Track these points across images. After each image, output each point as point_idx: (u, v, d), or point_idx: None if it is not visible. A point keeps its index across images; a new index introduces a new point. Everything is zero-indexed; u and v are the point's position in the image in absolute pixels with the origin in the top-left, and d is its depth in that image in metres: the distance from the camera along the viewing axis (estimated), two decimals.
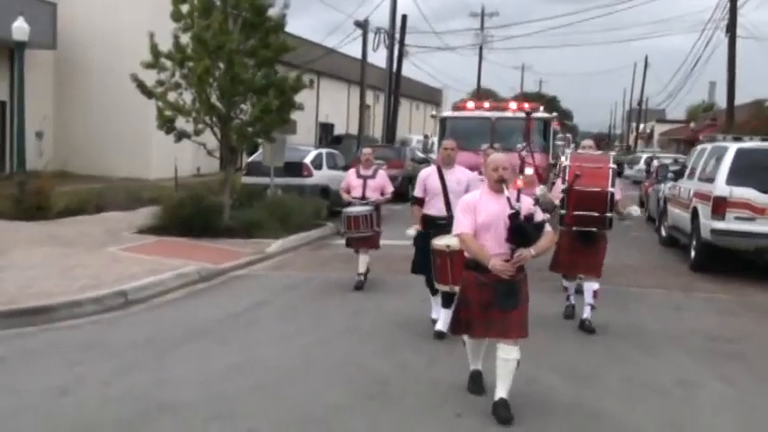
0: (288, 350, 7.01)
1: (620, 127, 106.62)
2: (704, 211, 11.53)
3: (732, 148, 11.48)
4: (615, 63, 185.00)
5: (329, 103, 41.16)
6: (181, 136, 14.50)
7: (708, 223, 11.26)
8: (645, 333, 8.04)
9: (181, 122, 14.53)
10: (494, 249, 5.21)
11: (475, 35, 51.80)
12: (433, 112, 17.36)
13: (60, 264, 10.42)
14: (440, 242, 6.98)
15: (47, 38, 23.04)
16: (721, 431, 5.42)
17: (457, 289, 6.34)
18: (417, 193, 7.88)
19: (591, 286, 8.06)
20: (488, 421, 5.23)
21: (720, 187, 11.14)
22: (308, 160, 17.86)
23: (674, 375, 6.54)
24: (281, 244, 13.42)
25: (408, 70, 54.73)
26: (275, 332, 7.70)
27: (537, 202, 5.45)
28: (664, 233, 15.09)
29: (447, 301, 7.20)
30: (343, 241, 10.59)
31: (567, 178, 7.91)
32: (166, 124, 14.35)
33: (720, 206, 11.05)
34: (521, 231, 5.12)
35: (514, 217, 5.10)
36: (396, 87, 28.81)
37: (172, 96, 14.43)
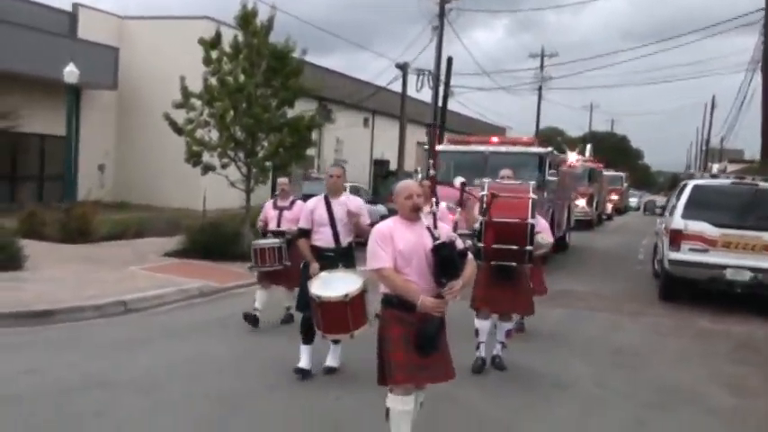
0: (231, 349, 8.27)
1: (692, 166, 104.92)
2: (666, 242, 12.35)
3: (690, 184, 12.31)
4: (693, 100, 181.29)
5: (384, 141, 42.68)
6: (207, 169, 16.18)
7: (667, 254, 12.07)
8: (558, 345, 8.98)
9: (208, 156, 16.20)
10: (417, 284, 4.70)
11: (534, 75, 52.62)
12: (426, 147, 17.79)
13: (80, 278, 11.94)
14: (313, 288, 6.45)
15: (109, 79, 25.29)
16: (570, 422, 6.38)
17: (329, 337, 6.66)
18: (303, 224, 7.34)
19: (504, 326, 7.82)
20: None
21: (677, 221, 11.97)
22: None
23: (558, 377, 7.51)
24: None
25: (470, 110, 56.22)
26: (233, 335, 8.97)
27: (455, 227, 5.93)
28: (655, 266, 15.81)
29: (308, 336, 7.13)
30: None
31: (486, 207, 7.32)
32: (193, 158, 16.07)
33: (676, 238, 11.87)
34: (451, 262, 4.66)
35: (442, 247, 4.65)
36: (441, 125, 30.07)
37: (200, 133, 16.13)
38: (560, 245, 18.88)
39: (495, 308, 7.67)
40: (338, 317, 6.29)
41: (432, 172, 6.45)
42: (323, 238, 7.22)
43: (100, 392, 6.48)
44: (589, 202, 26.22)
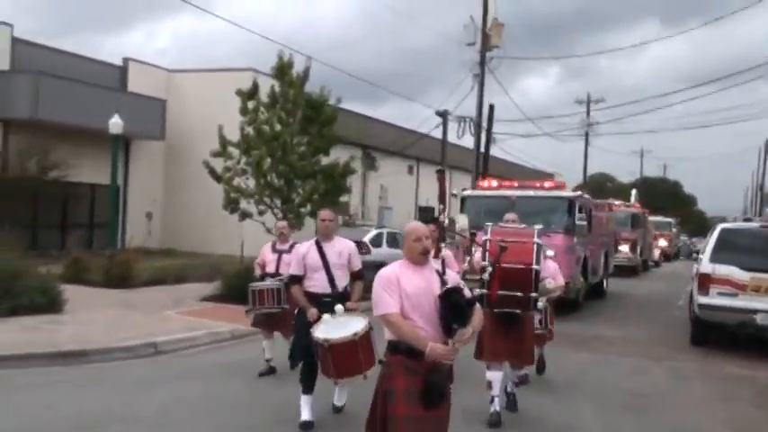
0: (249, 387, 8.46)
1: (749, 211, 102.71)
2: (695, 287, 12.24)
3: (718, 227, 12.22)
4: (746, 144, 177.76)
5: (428, 188, 42.94)
6: (244, 215, 16.62)
7: (696, 298, 11.97)
8: (574, 389, 8.97)
9: (245, 203, 16.64)
10: (425, 331, 4.48)
11: (581, 121, 52.46)
12: (454, 191, 16.91)
13: (115, 321, 12.32)
14: (318, 333, 6.34)
15: (157, 130, 26.14)
16: None
17: (341, 382, 6.67)
18: (295, 270, 7.16)
19: (516, 373, 7.82)
20: None
21: (704, 264, 11.87)
22: (366, 238, 19.51)
23: (569, 424, 7.52)
24: None
25: (516, 156, 56.26)
26: (254, 375, 9.17)
27: (464, 275, 6.11)
28: (690, 311, 15.61)
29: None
30: None
31: (489, 252, 7.11)
32: (231, 205, 16.52)
33: (704, 282, 11.77)
34: (461, 309, 4.42)
35: (453, 292, 4.45)
36: (484, 170, 30.32)
37: (237, 181, 16.60)
38: (597, 291, 18.79)
39: (499, 358, 7.39)
40: (349, 358, 6.16)
41: (441, 217, 6.11)
42: (318, 284, 7.06)
43: (117, 427, 6.73)
44: (632, 248, 25.89)
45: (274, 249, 9.68)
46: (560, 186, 16.56)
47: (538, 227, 7.66)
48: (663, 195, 78.68)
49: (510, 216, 8.57)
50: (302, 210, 16.57)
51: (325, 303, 6.84)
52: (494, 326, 7.22)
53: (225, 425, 6.92)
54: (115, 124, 17.87)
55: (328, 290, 7.03)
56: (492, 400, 7.28)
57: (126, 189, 26.86)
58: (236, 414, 7.32)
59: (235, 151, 16.68)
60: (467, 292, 4.56)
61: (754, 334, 11.64)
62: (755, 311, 11.34)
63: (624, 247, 25.44)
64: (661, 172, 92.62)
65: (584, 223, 15.55)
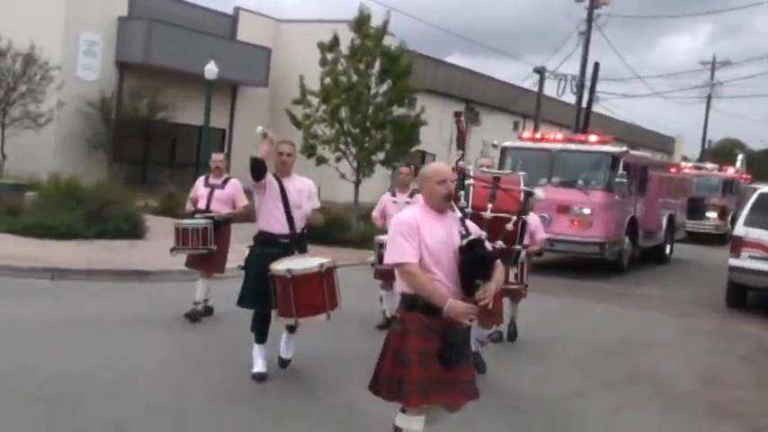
0: None
1: None
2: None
3: (757, 192, 12.31)
4: None
5: None
6: (320, 161, 17.73)
7: (728, 261, 12.18)
8: (575, 336, 9.59)
9: (321, 150, 17.76)
10: (445, 286, 4.14)
11: (703, 85, 50.71)
12: (495, 142, 16.34)
13: None
14: (279, 266, 6.10)
15: (261, 77, 27.60)
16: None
17: (302, 322, 6.12)
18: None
19: (484, 332, 7.30)
20: None
21: (738, 227, 12.05)
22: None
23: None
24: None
25: (637, 117, 55.00)
26: None
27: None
28: None
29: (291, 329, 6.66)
30: None
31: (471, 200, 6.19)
32: (308, 150, 17.64)
33: (736, 245, 11.96)
34: (486, 262, 4.14)
35: (476, 245, 4.11)
36: (584, 128, 30.39)
37: (316, 128, 17.73)
38: (656, 256, 18.25)
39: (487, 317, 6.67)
40: (313, 293, 5.98)
41: (461, 163, 5.75)
42: (275, 223, 6.52)
43: (136, 329, 8.00)
44: (721, 215, 25.11)
45: (207, 183, 8.86)
46: (606, 142, 15.97)
47: (522, 174, 7.21)
48: None
49: (485, 161, 7.86)
50: (373, 158, 17.53)
51: (281, 245, 6.45)
52: None
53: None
54: (210, 70, 19.30)
55: (286, 230, 6.51)
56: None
57: (231, 132, 28.56)
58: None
59: (314, 100, 17.77)
60: (488, 246, 4.31)
61: None
62: None
63: (712, 214, 24.76)
64: None
65: (625, 181, 14.67)
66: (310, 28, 29.00)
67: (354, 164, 17.80)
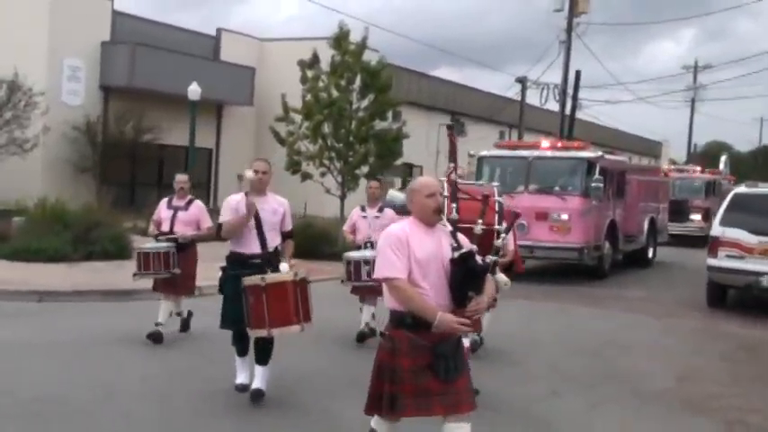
0: None
1: None
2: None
3: (732, 192, 12.53)
4: None
5: None
6: (305, 177, 17.91)
7: (706, 261, 12.37)
8: (554, 337, 9.74)
9: (306, 166, 17.94)
10: (434, 300, 4.14)
11: (686, 88, 51.18)
12: (471, 152, 16.18)
13: None
14: (254, 277, 6.03)
15: (247, 96, 27.78)
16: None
17: (275, 333, 5.99)
18: (225, 218, 6.44)
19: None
20: None
21: (715, 228, 12.25)
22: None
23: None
24: None
25: (623, 124, 55.40)
26: None
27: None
28: None
29: (263, 353, 6.42)
30: None
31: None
32: (293, 167, 17.82)
33: (714, 245, 12.16)
34: (476, 275, 4.16)
35: (468, 258, 4.14)
36: (569, 134, 30.63)
37: (299, 144, 17.92)
38: (639, 259, 18.30)
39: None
40: (286, 303, 5.93)
41: (453, 176, 5.62)
42: (246, 244, 6.38)
43: (119, 347, 8.11)
44: (705, 217, 25.15)
45: (170, 205, 8.72)
46: (582, 147, 15.98)
47: (496, 184, 7.88)
48: None
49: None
50: (357, 172, 17.72)
51: (252, 266, 6.26)
52: None
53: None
54: (193, 91, 19.50)
55: (257, 250, 6.34)
56: None
57: (218, 151, 28.72)
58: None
59: (298, 117, 17.97)
60: (478, 257, 4.30)
61: (760, 296, 11.97)
62: (761, 274, 11.66)
63: (696, 216, 24.91)
64: None
65: (601, 185, 14.62)
66: (293, 46, 29.11)
67: (339, 178, 17.98)
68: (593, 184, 14.57)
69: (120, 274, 12.79)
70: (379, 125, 17.86)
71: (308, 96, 17.74)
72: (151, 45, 24.57)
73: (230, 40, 28.93)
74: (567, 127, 31.15)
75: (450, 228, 4.32)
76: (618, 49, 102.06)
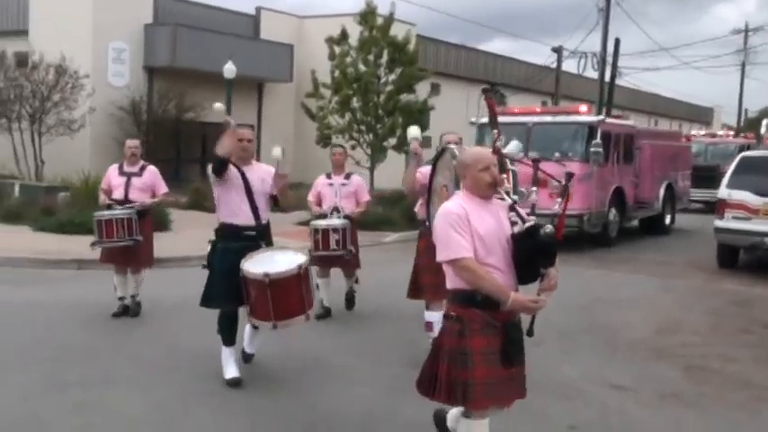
0: None
1: None
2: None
3: (740, 155, 12.81)
4: None
5: None
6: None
7: (714, 222, 12.72)
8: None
9: (335, 139, 18.65)
10: (502, 278, 3.99)
11: (736, 52, 50.22)
12: (472, 119, 15.84)
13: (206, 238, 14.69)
14: (254, 268, 5.68)
15: (285, 74, 28.54)
16: None
17: (281, 325, 5.71)
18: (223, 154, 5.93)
19: (433, 316, 6.47)
20: None
21: (722, 190, 12.58)
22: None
23: None
24: (396, 237, 16.58)
25: (670, 89, 54.75)
26: None
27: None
28: None
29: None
30: None
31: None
32: (323, 140, 18.55)
33: (721, 207, 12.50)
34: (548, 249, 3.97)
35: (536, 231, 3.93)
36: (608, 102, 30.71)
37: (330, 119, 18.66)
38: (655, 226, 17.95)
39: (441, 296, 5.64)
40: (292, 296, 5.67)
41: (497, 144, 5.50)
42: (239, 215, 6.08)
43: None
44: None
45: (121, 172, 8.28)
46: (583, 112, 15.54)
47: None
48: None
49: (451, 137, 6.80)
50: (384, 144, 18.37)
51: (247, 238, 6.06)
52: (432, 260, 5.19)
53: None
54: (229, 69, 20.27)
55: (252, 221, 6.09)
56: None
57: (260, 128, 29.57)
58: None
59: (327, 92, 18.69)
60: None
61: (765, 256, 12.30)
62: (766, 234, 11.98)
63: None
64: None
65: (600, 150, 14.22)
66: (330, 22, 29.86)
67: (368, 150, 18.65)
68: (592, 149, 14.28)
69: (156, 244, 13.58)
70: (407, 98, 18.40)
71: (337, 72, 18.39)
72: (192, 26, 25.46)
73: (269, 18, 29.70)
74: (606, 95, 31.28)
75: (508, 200, 4.15)
76: (677, 16, 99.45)
